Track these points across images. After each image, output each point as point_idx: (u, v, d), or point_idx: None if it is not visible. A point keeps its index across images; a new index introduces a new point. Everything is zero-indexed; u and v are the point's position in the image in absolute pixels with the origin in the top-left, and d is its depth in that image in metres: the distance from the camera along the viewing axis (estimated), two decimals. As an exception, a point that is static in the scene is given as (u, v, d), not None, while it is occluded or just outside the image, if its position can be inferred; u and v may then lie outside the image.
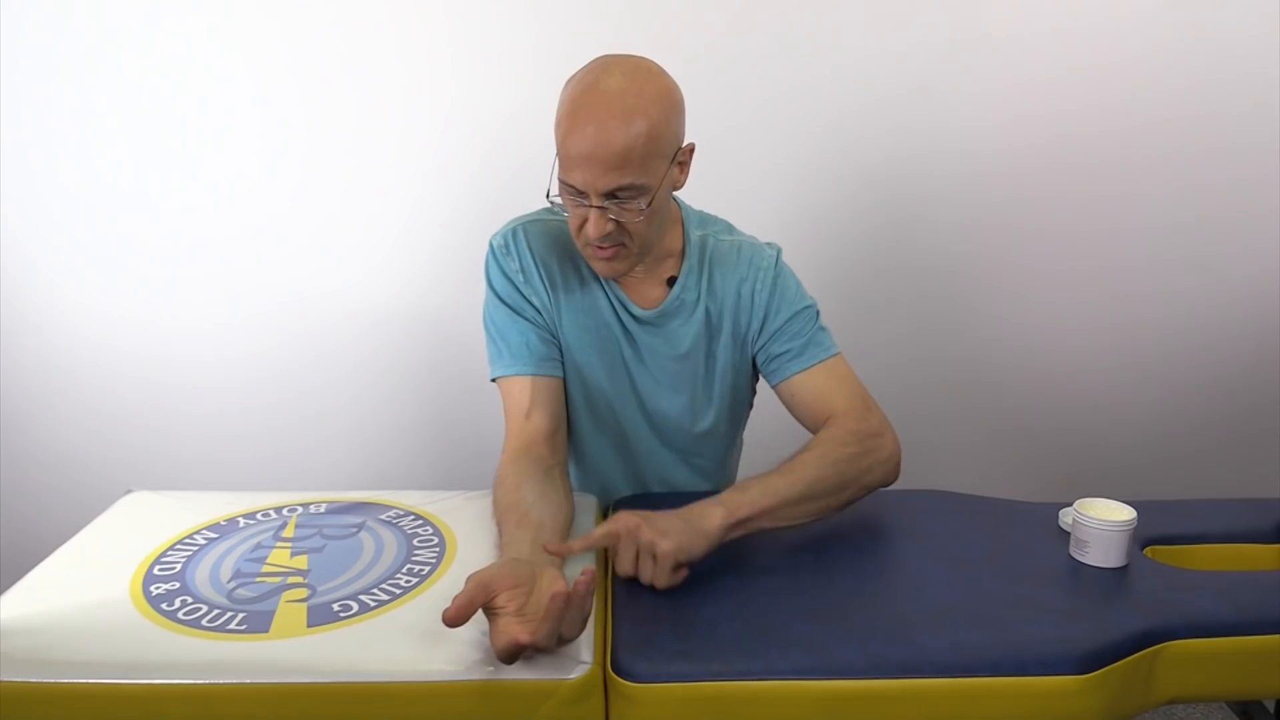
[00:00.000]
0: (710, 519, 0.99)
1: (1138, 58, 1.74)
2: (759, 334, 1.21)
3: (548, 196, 1.09)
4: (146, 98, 1.71)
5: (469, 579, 0.83)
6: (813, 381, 1.17)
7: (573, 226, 1.10)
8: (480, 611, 0.82)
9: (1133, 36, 1.73)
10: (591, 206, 1.05)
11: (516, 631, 0.80)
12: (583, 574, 0.82)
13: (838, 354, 1.20)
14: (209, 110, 1.72)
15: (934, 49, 1.73)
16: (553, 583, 0.83)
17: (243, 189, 1.77)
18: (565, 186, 1.06)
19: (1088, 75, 1.75)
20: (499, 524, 1.03)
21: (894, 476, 1.14)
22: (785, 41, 1.72)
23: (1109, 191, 1.82)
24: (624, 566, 0.97)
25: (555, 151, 1.10)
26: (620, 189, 1.04)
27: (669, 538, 0.95)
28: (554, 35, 1.67)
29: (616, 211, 1.06)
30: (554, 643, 0.81)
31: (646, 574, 0.96)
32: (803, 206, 1.82)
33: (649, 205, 1.06)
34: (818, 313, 1.22)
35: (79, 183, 1.75)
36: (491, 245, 1.21)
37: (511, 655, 0.80)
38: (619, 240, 1.09)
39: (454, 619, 0.79)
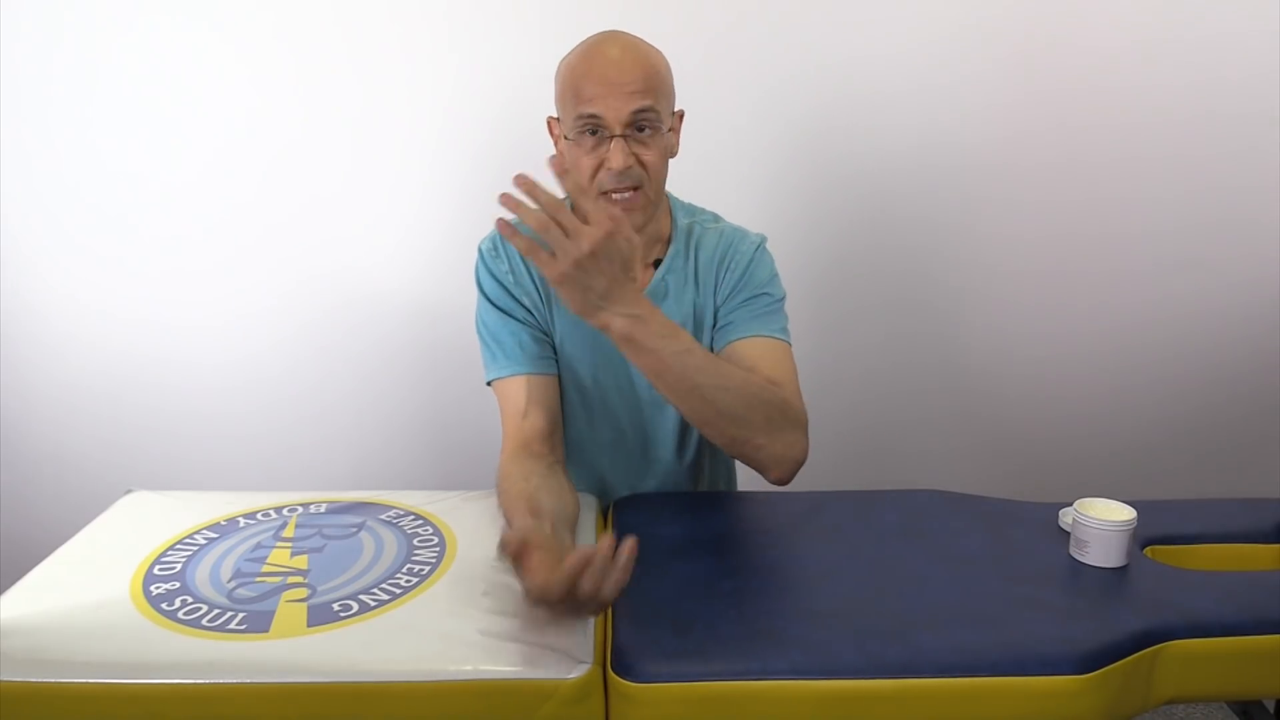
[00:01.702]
0: (643, 310, 0.98)
1: (1135, 54, 1.74)
2: (720, 306, 1.21)
3: (566, 138, 1.11)
4: (146, 96, 1.70)
5: (505, 539, 0.84)
6: (755, 350, 1.15)
7: (587, 171, 1.10)
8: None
9: (1130, 32, 1.73)
10: (614, 136, 1.07)
11: (549, 568, 0.80)
12: (627, 539, 0.82)
13: (788, 344, 1.18)
14: (208, 108, 1.72)
15: (926, 45, 1.73)
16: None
17: (243, 188, 1.76)
18: (583, 122, 1.07)
19: (1085, 71, 1.75)
20: (508, 516, 1.04)
21: (786, 475, 1.11)
22: (774, 39, 1.72)
23: (1107, 190, 1.82)
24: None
25: (555, 135, 1.13)
26: (642, 111, 1.06)
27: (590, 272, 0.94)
28: (556, 27, 1.66)
29: (636, 144, 1.08)
30: (592, 598, 0.81)
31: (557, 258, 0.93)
32: (796, 203, 1.82)
33: (666, 133, 1.10)
34: (782, 301, 1.21)
35: (79, 182, 1.74)
36: (480, 250, 1.21)
37: (544, 595, 0.80)
38: (637, 181, 1.10)
39: (509, 543, 0.82)
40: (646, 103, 1.06)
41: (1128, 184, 1.82)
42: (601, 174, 1.09)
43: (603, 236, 0.92)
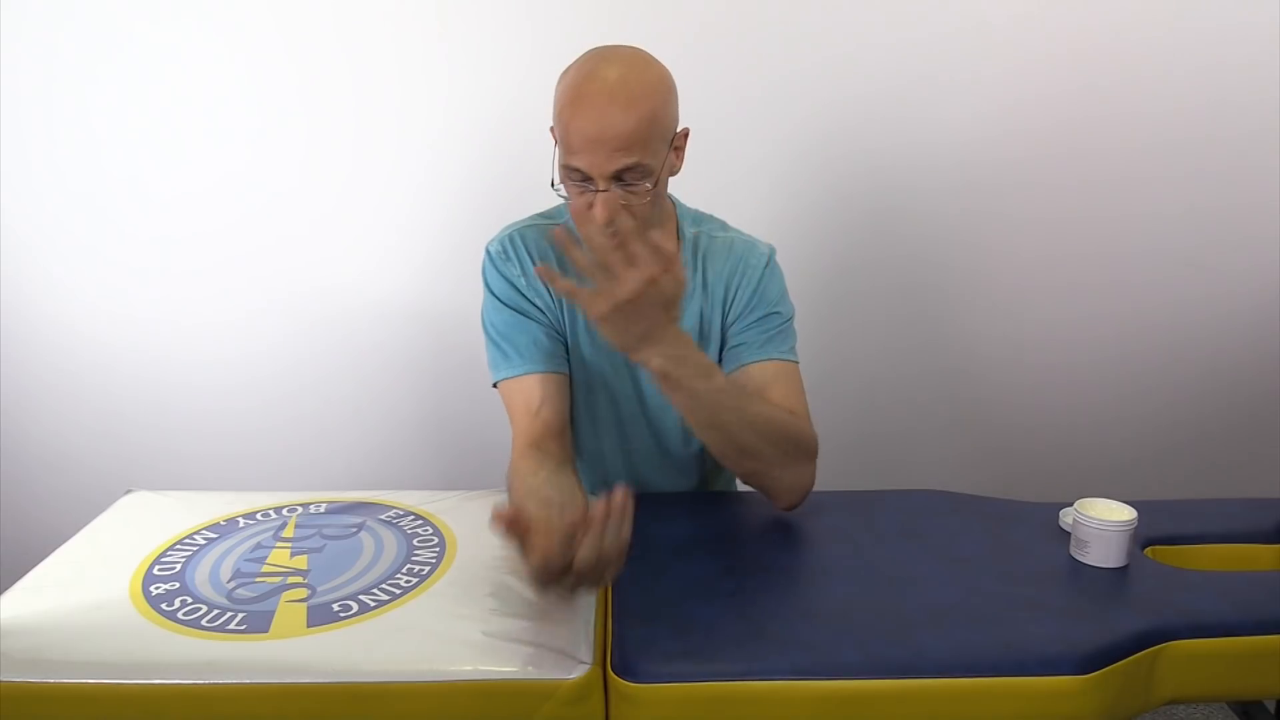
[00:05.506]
0: (682, 349, 0.99)
1: (1134, 46, 1.73)
2: (731, 325, 1.20)
3: (552, 186, 1.09)
4: (147, 98, 1.71)
5: (495, 509, 0.85)
6: (768, 373, 1.16)
7: (576, 213, 1.09)
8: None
9: (1128, 22, 1.72)
10: (598, 190, 1.05)
11: (547, 545, 0.81)
12: (616, 489, 0.82)
13: (796, 363, 1.19)
14: (208, 108, 1.72)
15: (924, 40, 1.72)
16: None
17: (242, 187, 1.77)
18: (569, 171, 1.06)
19: (1083, 64, 1.74)
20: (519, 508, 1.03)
21: (795, 503, 1.13)
22: (776, 35, 1.71)
23: (1109, 192, 1.82)
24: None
25: (555, 141, 1.10)
26: (626, 169, 1.04)
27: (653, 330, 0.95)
28: (549, 29, 1.67)
29: (622, 194, 1.06)
30: (595, 564, 0.81)
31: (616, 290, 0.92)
32: (794, 200, 1.81)
33: (654, 187, 1.07)
34: (791, 320, 1.21)
35: (79, 181, 1.74)
36: (489, 251, 1.20)
37: (547, 566, 0.81)
38: (625, 225, 1.08)
39: (502, 516, 0.82)
40: (631, 160, 1.02)
41: (1129, 186, 1.81)
42: (592, 214, 1.06)
43: (645, 282, 0.91)
